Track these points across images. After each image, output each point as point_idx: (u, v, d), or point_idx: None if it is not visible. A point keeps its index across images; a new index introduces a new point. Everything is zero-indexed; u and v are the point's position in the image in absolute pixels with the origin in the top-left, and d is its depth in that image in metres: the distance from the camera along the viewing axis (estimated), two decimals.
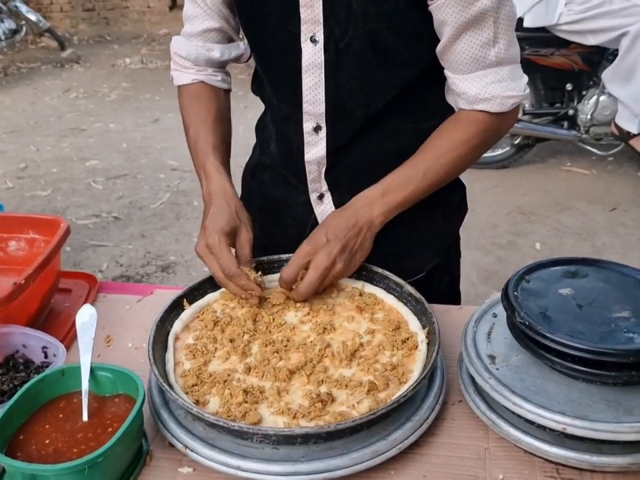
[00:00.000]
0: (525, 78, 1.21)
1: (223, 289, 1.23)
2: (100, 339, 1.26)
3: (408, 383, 1.01)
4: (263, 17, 1.23)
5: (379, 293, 1.23)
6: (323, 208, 1.39)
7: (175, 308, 1.18)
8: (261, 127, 1.48)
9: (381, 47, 1.18)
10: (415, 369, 1.05)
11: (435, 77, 1.26)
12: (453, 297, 1.57)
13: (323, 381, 1.04)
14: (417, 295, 1.17)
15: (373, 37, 1.17)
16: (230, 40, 1.39)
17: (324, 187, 1.37)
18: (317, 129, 1.29)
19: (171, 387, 1.03)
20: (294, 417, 0.97)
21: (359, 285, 1.25)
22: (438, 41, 1.18)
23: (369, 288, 1.24)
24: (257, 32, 1.27)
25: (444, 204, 1.43)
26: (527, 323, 0.96)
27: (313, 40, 1.20)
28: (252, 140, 1.52)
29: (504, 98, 1.17)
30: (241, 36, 1.40)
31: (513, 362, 1.02)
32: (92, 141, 5.50)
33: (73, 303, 1.35)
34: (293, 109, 1.29)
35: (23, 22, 7.70)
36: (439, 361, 1.10)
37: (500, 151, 4.50)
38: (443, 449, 1.00)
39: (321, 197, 1.39)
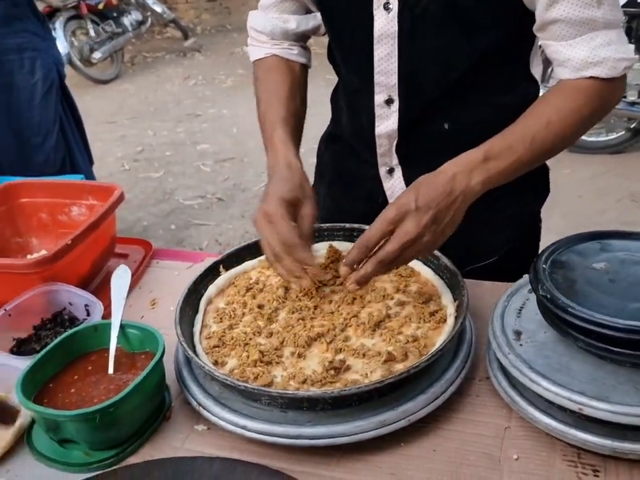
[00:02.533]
0: (632, 45, 1.11)
1: (261, 257, 1.23)
2: (146, 302, 1.31)
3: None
4: None
5: (417, 265, 1.19)
6: (393, 182, 1.35)
7: (211, 273, 1.20)
8: (335, 98, 1.46)
9: (460, 12, 1.12)
10: (439, 342, 1.01)
11: (515, 47, 1.19)
12: None
13: (341, 349, 1.02)
14: (452, 267, 1.12)
15: (452, 0, 1.11)
16: (307, 10, 1.35)
17: (394, 160, 1.33)
18: (388, 101, 1.25)
19: (193, 347, 1.06)
20: (304, 382, 0.96)
21: None
22: (521, 5, 1.11)
23: None
24: (330, 4, 1.24)
25: (522, 184, 1.34)
26: (549, 296, 0.90)
27: (387, 7, 1.15)
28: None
29: (615, 61, 1.07)
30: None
31: (540, 338, 0.96)
32: (205, 126, 5.71)
33: (129, 266, 1.39)
34: (364, 80, 1.25)
35: (149, 13, 8.07)
36: (467, 334, 1.05)
37: (614, 135, 4.22)
38: (460, 424, 0.96)
39: (390, 171, 1.35)
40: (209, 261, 1.34)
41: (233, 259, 1.23)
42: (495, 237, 1.37)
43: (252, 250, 1.25)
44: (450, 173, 1.04)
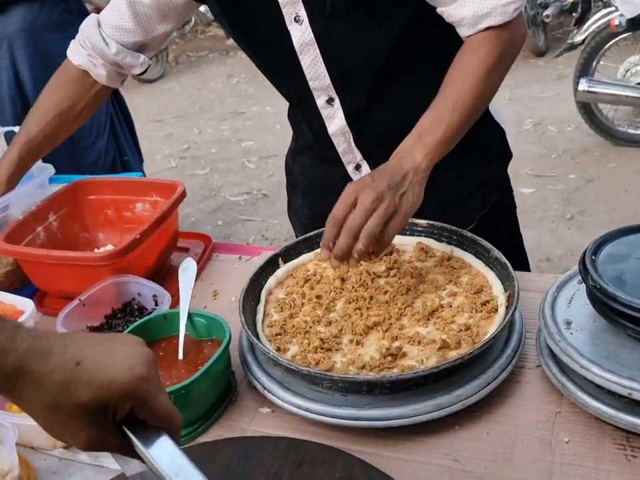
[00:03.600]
0: None
1: (317, 250, 1.30)
2: (208, 293, 1.39)
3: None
4: (247, 14, 1.26)
5: (467, 257, 1.24)
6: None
7: (270, 265, 1.26)
8: (291, 115, 1.52)
9: (364, 2, 1.19)
10: (490, 331, 1.05)
11: (432, 22, 1.24)
12: (518, 254, 1.55)
13: (397, 337, 1.07)
14: (503, 259, 1.16)
15: None
16: (135, 47, 1.43)
17: (358, 156, 1.39)
18: (329, 101, 1.32)
19: (256, 334, 1.12)
20: (362, 368, 1.02)
21: (449, 249, 1.26)
22: None
23: (458, 252, 1.25)
24: (245, 31, 1.31)
25: (484, 149, 1.42)
26: (598, 286, 0.94)
27: (297, 20, 1.23)
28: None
29: (503, 6, 1.15)
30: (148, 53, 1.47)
31: (589, 327, 1.00)
32: (249, 124, 5.80)
33: None
34: (300, 90, 1.32)
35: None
36: (517, 324, 1.10)
37: None
38: (512, 408, 1.01)
39: (357, 167, 1.41)
40: (266, 255, 1.40)
41: (291, 252, 1.30)
42: (470, 203, 1.43)
43: (308, 243, 1.31)
44: (395, 158, 1.14)
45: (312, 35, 1.23)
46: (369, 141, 1.35)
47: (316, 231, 1.31)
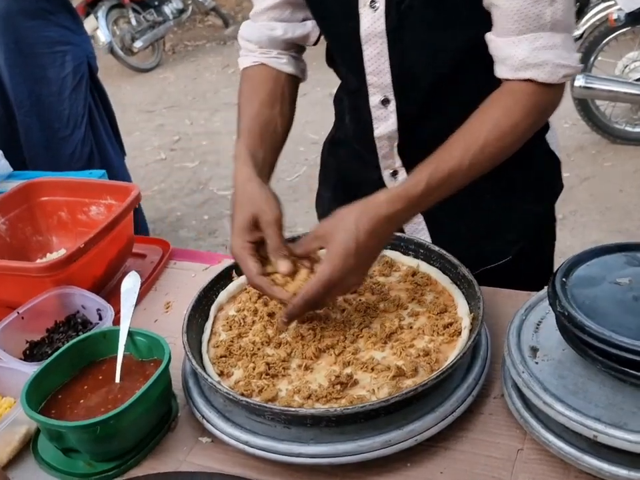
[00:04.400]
0: (578, 54, 1.06)
1: None
2: (161, 304, 1.30)
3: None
4: None
5: (434, 273, 1.15)
6: None
7: (223, 279, 1.18)
8: (338, 100, 1.42)
9: (442, 5, 1.08)
10: (452, 357, 0.97)
11: None
12: (540, 284, 1.44)
13: (350, 362, 0.99)
14: (470, 277, 1.08)
15: None
16: (297, 17, 1.29)
17: (397, 162, 1.29)
18: (384, 102, 1.21)
19: (200, 356, 1.04)
20: (308, 397, 0.93)
21: (415, 263, 1.18)
22: None
23: (425, 267, 1.17)
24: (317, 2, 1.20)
25: (533, 181, 1.31)
26: (566, 314, 0.85)
27: (373, 5, 1.11)
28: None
29: (555, 66, 1.02)
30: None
31: (557, 356, 0.91)
32: None
33: (145, 268, 1.39)
34: (359, 81, 1.22)
35: (190, 1, 8.07)
36: (482, 349, 1.01)
37: None
38: (470, 445, 0.93)
39: (394, 173, 1.30)
40: (225, 263, 1.32)
41: None
42: (506, 236, 1.31)
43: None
44: (390, 214, 1.01)
45: (384, 25, 1.12)
46: (413, 149, 1.23)
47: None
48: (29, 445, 1.01)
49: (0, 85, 2.92)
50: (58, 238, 1.45)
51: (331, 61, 1.33)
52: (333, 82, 1.39)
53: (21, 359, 1.14)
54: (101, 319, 1.18)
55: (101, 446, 0.94)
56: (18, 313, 1.15)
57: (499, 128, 1.05)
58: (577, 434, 0.83)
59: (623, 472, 0.80)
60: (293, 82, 1.30)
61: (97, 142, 3.11)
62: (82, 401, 1.01)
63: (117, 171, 3.19)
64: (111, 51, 6.85)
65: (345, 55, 1.24)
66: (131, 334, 1.06)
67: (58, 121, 2.98)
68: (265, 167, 1.17)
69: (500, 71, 1.08)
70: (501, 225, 1.31)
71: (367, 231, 0.99)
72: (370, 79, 1.19)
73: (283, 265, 1.03)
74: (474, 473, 0.88)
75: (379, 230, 1.00)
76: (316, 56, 1.34)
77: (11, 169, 1.92)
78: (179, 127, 5.56)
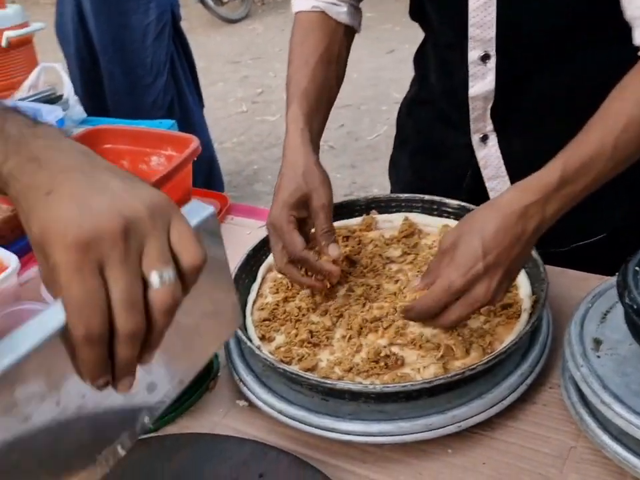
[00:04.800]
0: None
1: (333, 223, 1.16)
2: None
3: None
4: None
5: None
6: (486, 152, 1.20)
7: None
8: (419, 57, 1.32)
9: None
10: (507, 341, 0.90)
11: None
12: None
13: (397, 337, 0.93)
14: (535, 255, 0.99)
15: None
16: None
17: (489, 126, 1.17)
18: (484, 57, 1.10)
19: (244, 318, 1.01)
20: (349, 370, 0.89)
21: None
22: None
23: None
24: None
25: None
26: (635, 307, 0.76)
27: None
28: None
29: None
30: None
31: (623, 351, 0.83)
32: None
33: None
34: (456, 33, 1.11)
35: None
36: (542, 335, 0.94)
37: None
38: (519, 436, 0.86)
39: (484, 138, 1.19)
40: None
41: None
42: (607, 211, 1.18)
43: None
44: (520, 207, 0.86)
45: None
46: (508, 112, 1.14)
47: (337, 202, 1.17)
48: None
49: (86, 31, 2.96)
50: None
51: (418, 12, 1.23)
52: (421, 39, 1.30)
53: None
54: None
55: None
56: None
57: None
58: (636, 439, 0.75)
59: None
60: (350, 37, 1.21)
61: (177, 91, 3.12)
62: None
63: (195, 122, 3.21)
64: (201, 0, 6.86)
65: (444, 4, 1.13)
66: None
67: (141, 68, 3.00)
68: (318, 138, 1.11)
69: (638, 39, 0.92)
70: (604, 200, 1.16)
71: (494, 228, 0.85)
72: (472, 31, 1.07)
73: (334, 249, 0.98)
74: (519, 467, 0.82)
75: (509, 227, 0.85)
76: (405, 12, 1.25)
77: (85, 115, 1.94)
78: (263, 79, 5.55)
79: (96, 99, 3.08)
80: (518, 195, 0.87)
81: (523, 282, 1.00)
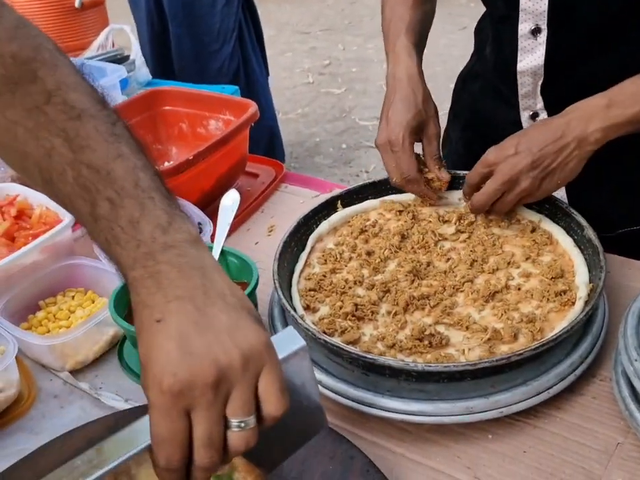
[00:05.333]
0: None
1: (384, 197, 1.14)
2: (265, 228, 1.27)
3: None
4: None
5: (556, 232, 1.03)
6: None
7: (327, 208, 1.12)
8: (479, 29, 1.29)
9: None
10: (558, 328, 0.86)
11: None
12: None
13: (444, 316, 0.91)
14: (596, 242, 0.95)
15: None
16: None
17: (539, 104, 1.15)
18: (535, 31, 1.07)
19: (290, 286, 1.00)
20: (392, 347, 0.87)
21: (536, 218, 1.06)
22: None
23: (547, 224, 1.05)
24: None
25: None
26: None
27: None
28: None
29: None
30: None
31: None
32: None
33: (256, 187, 1.37)
34: (508, 5, 1.08)
35: None
36: (596, 325, 0.90)
37: None
38: (564, 428, 0.83)
39: (534, 115, 1.16)
40: (336, 193, 1.26)
41: (354, 196, 1.15)
42: None
43: (377, 188, 1.15)
44: (565, 117, 0.96)
45: None
46: (559, 90, 1.12)
47: (386, 177, 1.15)
48: (115, 347, 1.03)
49: None
50: (177, 148, 1.45)
51: None
52: None
53: None
54: (201, 232, 1.17)
55: None
56: None
57: None
58: None
59: None
60: None
61: (243, 59, 3.11)
62: None
63: (260, 90, 3.20)
64: None
65: None
66: (223, 253, 1.04)
67: (208, 34, 3.00)
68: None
69: None
70: None
71: (535, 127, 0.99)
72: (524, 3, 1.05)
73: (444, 173, 1.09)
74: (561, 460, 0.79)
75: (549, 130, 0.96)
76: None
77: (150, 77, 1.95)
78: (331, 51, 5.50)
79: (164, 63, 3.11)
80: (568, 110, 0.97)
81: (581, 268, 0.96)
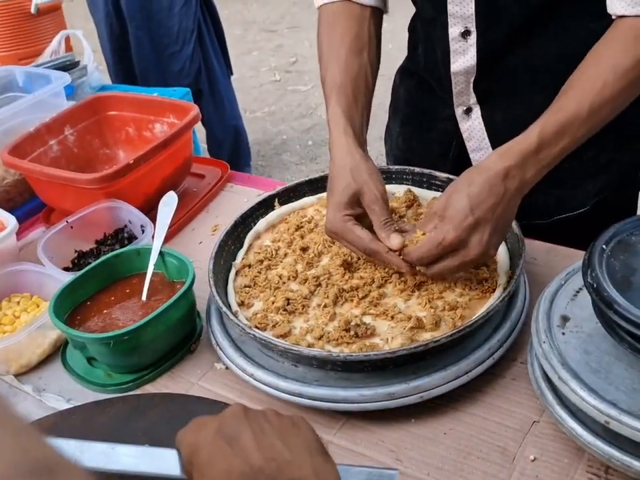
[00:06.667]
0: None
1: (321, 194, 1.17)
2: (209, 227, 1.30)
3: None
4: None
5: None
6: (470, 124, 1.21)
7: (264, 206, 1.15)
8: (411, 27, 1.32)
9: None
10: (478, 314, 0.90)
11: None
12: None
13: (371, 307, 0.95)
14: (517, 230, 0.99)
15: None
16: None
17: (472, 99, 1.18)
18: (464, 34, 1.10)
19: (226, 283, 1.03)
20: (320, 338, 0.90)
21: None
22: None
23: None
24: None
25: (616, 129, 1.17)
26: (595, 285, 0.76)
27: None
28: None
29: None
30: None
31: (588, 329, 0.82)
32: None
33: (202, 188, 1.39)
34: (437, 10, 1.11)
35: None
36: (516, 311, 0.94)
37: None
38: (483, 409, 0.87)
39: (468, 111, 1.20)
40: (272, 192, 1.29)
41: (291, 194, 1.18)
42: (585, 186, 1.20)
43: (314, 185, 1.19)
44: (501, 169, 0.90)
45: None
46: (490, 84, 1.14)
47: (322, 174, 1.18)
48: (59, 350, 1.05)
49: (115, 0, 2.98)
50: (125, 152, 1.47)
51: None
52: None
53: (69, 267, 1.19)
54: (142, 233, 1.19)
55: (119, 359, 0.96)
56: (67, 222, 1.19)
57: (618, 67, 0.91)
58: (591, 417, 0.75)
59: (636, 464, 0.72)
60: (378, 18, 1.17)
61: (204, 60, 3.13)
62: (105, 311, 1.03)
63: (222, 90, 3.22)
64: None
65: None
66: (162, 254, 1.07)
67: (167, 36, 3.01)
68: (363, 131, 1.08)
69: (613, 7, 0.94)
70: (582, 176, 1.19)
71: (479, 187, 0.89)
72: (451, 8, 1.08)
73: (395, 239, 0.94)
74: (479, 439, 0.83)
75: (493, 185, 0.89)
76: None
77: (103, 82, 1.97)
78: (298, 48, 5.51)
79: (125, 66, 3.12)
80: (499, 159, 0.91)
81: (502, 257, 1.00)
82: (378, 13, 1.17)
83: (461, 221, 0.88)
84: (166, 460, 0.60)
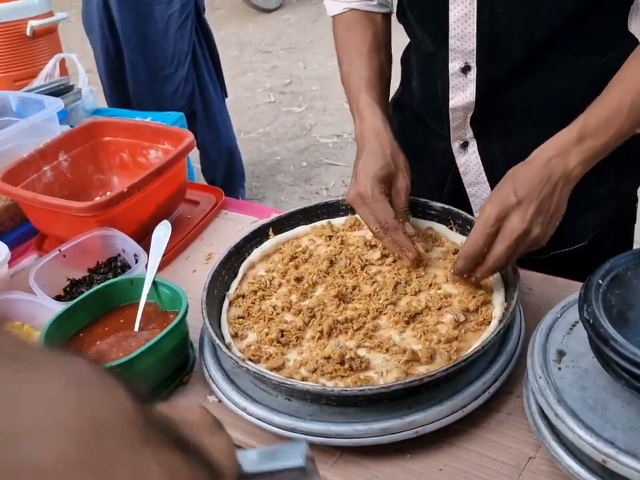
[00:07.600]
0: None
1: (315, 223, 1.17)
2: (203, 255, 1.30)
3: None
4: None
5: None
6: (467, 158, 1.21)
7: (258, 236, 1.15)
8: (405, 59, 1.32)
9: None
10: (474, 347, 0.90)
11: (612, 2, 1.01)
12: None
13: (365, 339, 0.94)
14: (514, 265, 0.99)
15: None
16: None
17: (469, 134, 1.18)
18: (465, 69, 1.10)
19: (219, 314, 1.02)
20: (314, 371, 0.90)
21: (459, 240, 1.10)
22: None
23: None
24: None
25: (617, 158, 1.17)
26: (592, 321, 0.76)
27: None
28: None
29: None
30: None
31: (584, 364, 0.82)
32: None
33: (196, 215, 1.39)
34: (437, 45, 1.12)
35: None
36: (511, 344, 0.93)
37: None
38: (479, 444, 0.86)
39: (464, 145, 1.20)
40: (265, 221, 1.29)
41: (285, 223, 1.17)
42: (585, 219, 1.20)
43: (307, 214, 1.18)
44: (543, 158, 0.93)
45: None
46: (488, 120, 1.15)
47: (317, 203, 1.18)
48: None
49: (110, 20, 2.99)
50: (119, 178, 1.47)
51: (403, 16, 1.23)
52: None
53: (61, 295, 1.18)
54: (137, 263, 1.19)
55: None
56: (60, 250, 1.18)
57: None
58: (588, 454, 0.74)
59: None
60: (388, 21, 1.24)
61: (198, 82, 3.14)
62: (98, 342, 1.02)
63: (217, 112, 3.23)
64: None
65: (425, 14, 1.13)
66: (155, 284, 1.06)
67: (162, 58, 3.03)
68: (390, 122, 1.12)
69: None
70: (581, 208, 1.17)
71: (522, 174, 0.93)
72: (453, 43, 1.08)
73: (409, 227, 1.04)
74: (474, 476, 0.82)
75: (536, 171, 0.93)
76: None
77: (98, 106, 1.97)
78: (293, 69, 5.55)
79: (120, 88, 3.13)
80: (539, 152, 0.95)
81: (498, 287, 0.99)
82: (387, 17, 1.23)
83: (503, 200, 0.91)
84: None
